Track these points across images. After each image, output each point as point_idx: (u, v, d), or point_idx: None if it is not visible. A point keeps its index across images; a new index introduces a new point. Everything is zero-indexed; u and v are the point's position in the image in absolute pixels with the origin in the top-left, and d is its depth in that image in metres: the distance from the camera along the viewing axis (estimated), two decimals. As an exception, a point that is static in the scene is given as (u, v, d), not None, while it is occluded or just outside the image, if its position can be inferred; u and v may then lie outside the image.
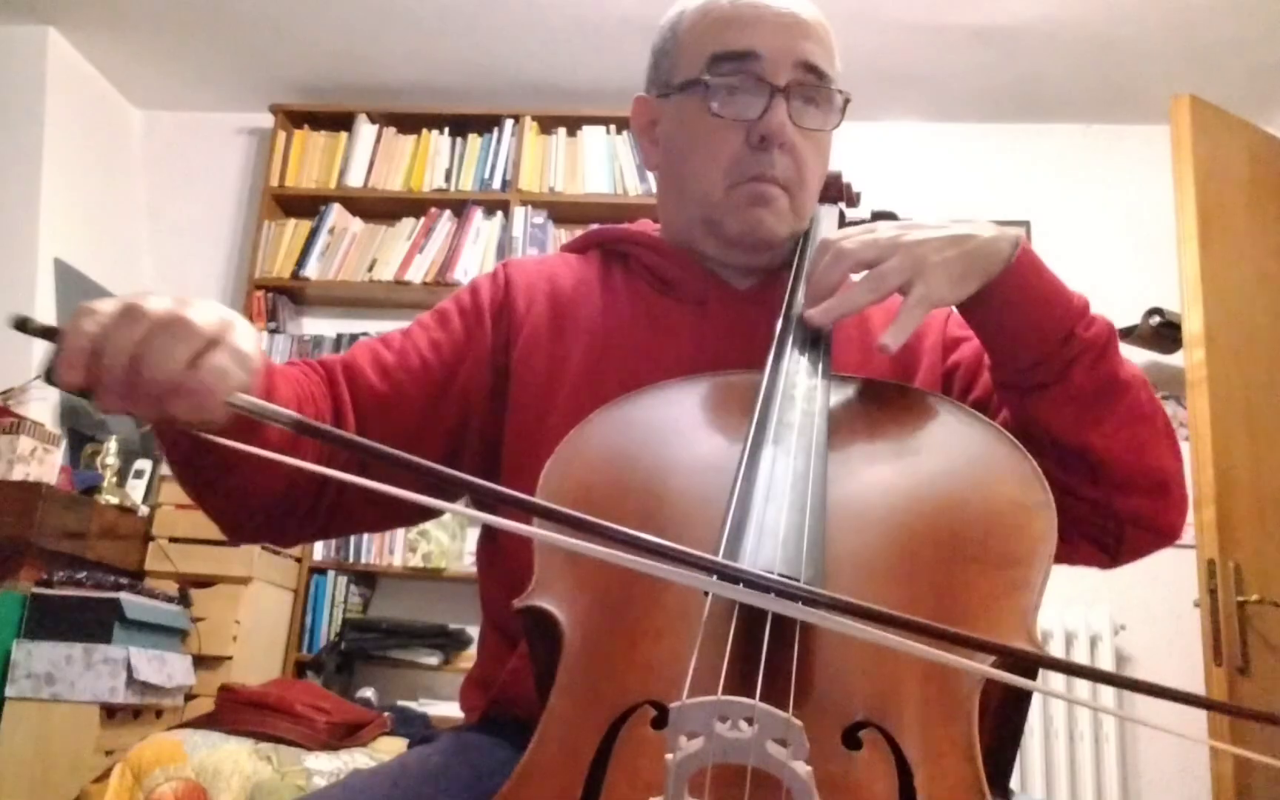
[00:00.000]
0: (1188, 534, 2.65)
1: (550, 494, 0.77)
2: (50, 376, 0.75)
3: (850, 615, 0.58)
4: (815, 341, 0.90)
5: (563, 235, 3.43)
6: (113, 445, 2.98)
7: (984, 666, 0.60)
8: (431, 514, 1.05)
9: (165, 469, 2.92)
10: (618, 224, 1.13)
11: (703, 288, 1.03)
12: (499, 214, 3.46)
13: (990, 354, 0.92)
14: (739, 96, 0.98)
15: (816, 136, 1.01)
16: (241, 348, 0.70)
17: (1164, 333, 3.08)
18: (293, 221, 3.57)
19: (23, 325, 0.67)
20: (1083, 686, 2.62)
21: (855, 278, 0.87)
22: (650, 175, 3.36)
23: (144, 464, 3.08)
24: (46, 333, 0.67)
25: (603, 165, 3.46)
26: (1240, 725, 2.24)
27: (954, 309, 0.92)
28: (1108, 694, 2.88)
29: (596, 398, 0.88)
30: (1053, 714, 2.92)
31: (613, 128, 3.48)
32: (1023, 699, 0.71)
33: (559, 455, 0.81)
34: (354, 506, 0.93)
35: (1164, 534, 0.94)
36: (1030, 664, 0.61)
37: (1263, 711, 0.54)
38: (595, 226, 1.16)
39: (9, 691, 2.31)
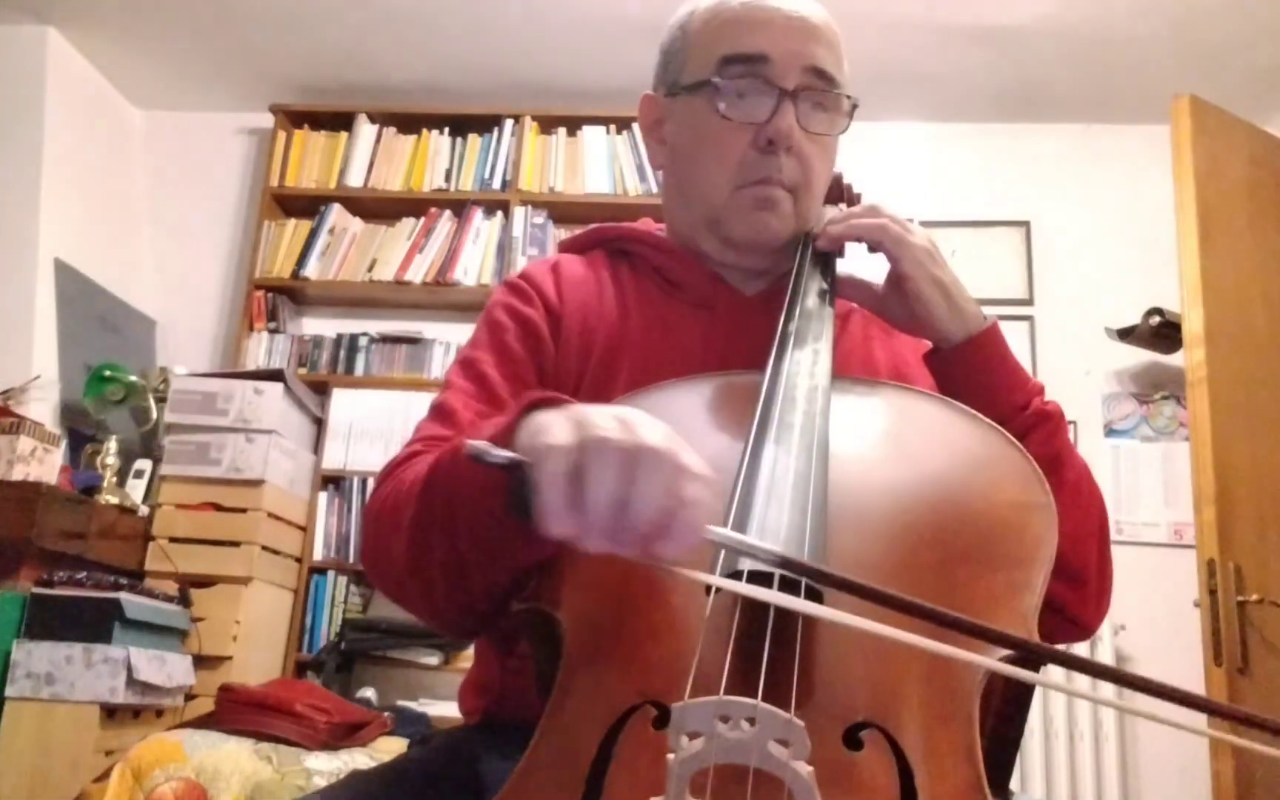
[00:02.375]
0: (1187, 534, 2.67)
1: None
2: (526, 515, 0.63)
3: (856, 593, 0.58)
4: (818, 342, 0.90)
5: (563, 235, 3.42)
6: (113, 445, 2.97)
7: (988, 660, 0.60)
8: None
9: (165, 469, 2.92)
10: (618, 223, 1.13)
11: (710, 291, 1.03)
12: (499, 214, 3.46)
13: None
14: (747, 99, 0.98)
15: (823, 140, 1.01)
16: (696, 467, 0.63)
17: (1164, 333, 3.08)
18: (293, 221, 3.57)
19: (481, 457, 0.62)
20: (1087, 683, 2.62)
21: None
22: (651, 175, 3.38)
23: (144, 464, 3.08)
24: (513, 467, 0.63)
25: (603, 165, 3.46)
26: (1240, 726, 2.24)
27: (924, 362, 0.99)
28: (1108, 689, 2.89)
29: (607, 397, 0.88)
30: (1053, 714, 2.92)
31: (613, 128, 3.48)
32: (1023, 700, 0.71)
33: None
34: None
35: (1077, 625, 0.94)
36: (1036, 657, 0.61)
37: (1261, 717, 0.54)
38: (595, 225, 1.15)
39: (9, 691, 2.31)
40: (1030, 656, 0.67)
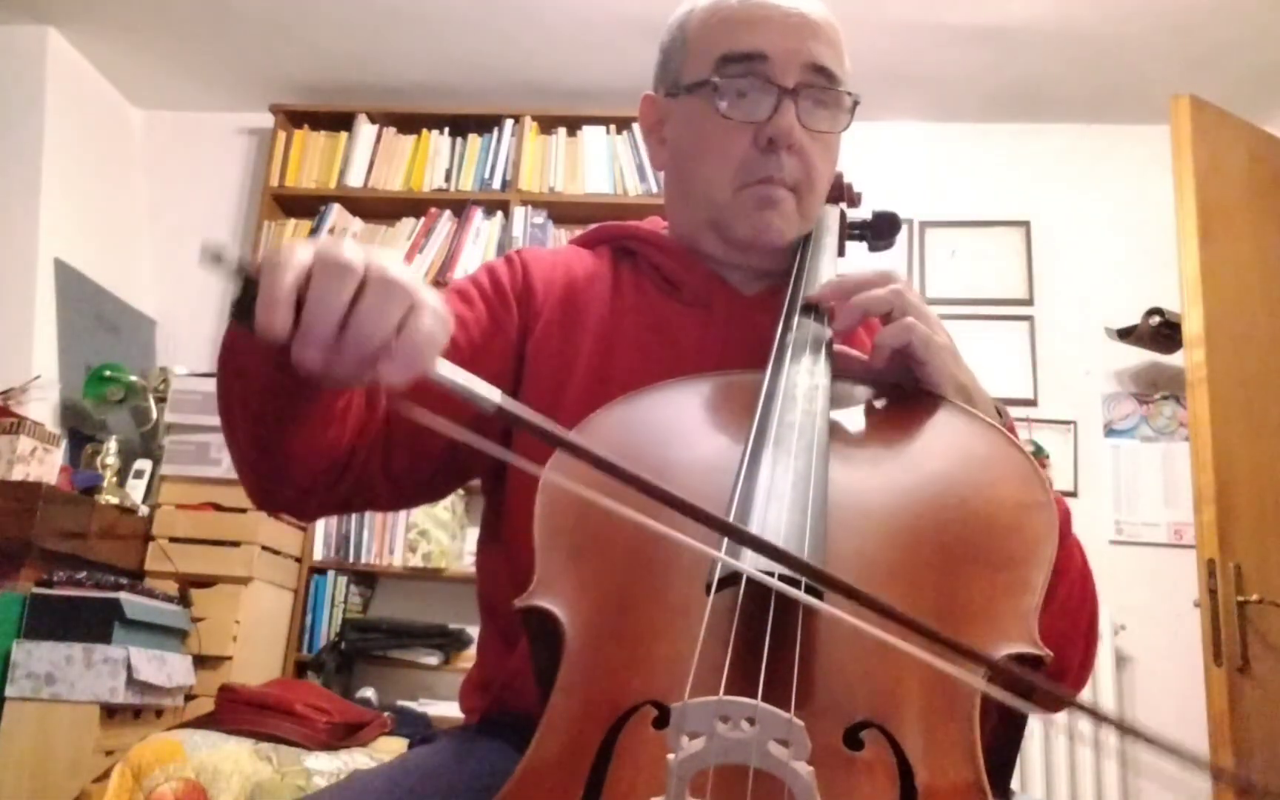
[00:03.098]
0: (1187, 534, 2.67)
1: (554, 491, 0.77)
2: (240, 314, 0.63)
3: (855, 600, 0.58)
4: (818, 343, 0.90)
5: (562, 235, 3.43)
6: (113, 445, 2.98)
7: (979, 682, 0.60)
8: (445, 491, 1.03)
9: (165, 469, 2.92)
10: (624, 222, 1.13)
11: (708, 290, 1.03)
12: (499, 214, 3.46)
13: None
14: (747, 98, 0.97)
15: (825, 138, 1.01)
16: (440, 308, 0.65)
17: (1164, 333, 3.08)
18: (293, 221, 3.57)
19: (217, 258, 0.61)
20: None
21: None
22: (651, 175, 3.38)
23: (144, 464, 3.08)
24: (244, 271, 0.62)
25: (603, 165, 3.46)
26: (1240, 726, 2.24)
27: None
28: (1110, 707, 2.89)
29: (603, 396, 0.87)
30: (1053, 714, 2.92)
31: (613, 128, 3.48)
32: (1025, 699, 0.71)
33: (560, 455, 0.81)
34: (376, 482, 0.93)
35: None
36: (1027, 686, 0.60)
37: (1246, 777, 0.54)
38: (603, 223, 1.15)
39: (9, 691, 2.31)
40: (1030, 660, 0.67)
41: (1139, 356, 3.25)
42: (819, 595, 0.63)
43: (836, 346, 0.91)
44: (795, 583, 0.62)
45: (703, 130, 1.00)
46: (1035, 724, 2.92)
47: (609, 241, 1.10)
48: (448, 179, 3.53)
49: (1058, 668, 0.86)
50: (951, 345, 0.90)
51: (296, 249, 0.63)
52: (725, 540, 0.65)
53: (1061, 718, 2.91)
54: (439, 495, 1.05)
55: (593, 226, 1.14)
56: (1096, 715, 0.56)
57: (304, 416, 0.80)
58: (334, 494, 0.91)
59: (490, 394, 0.62)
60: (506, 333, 0.99)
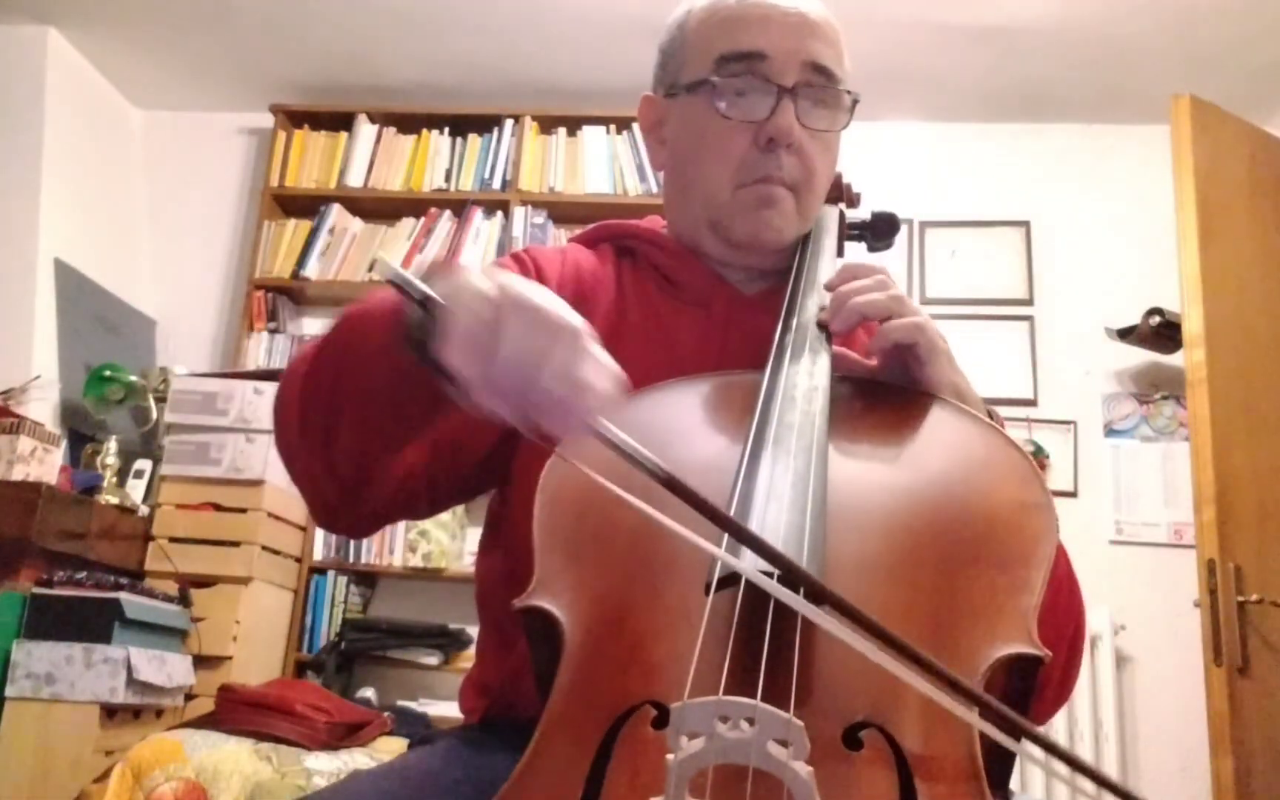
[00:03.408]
0: (1187, 534, 2.67)
1: (553, 492, 0.77)
2: (422, 346, 0.62)
3: (850, 620, 0.58)
4: (817, 344, 0.89)
5: (562, 235, 3.43)
6: (113, 445, 2.97)
7: (973, 718, 0.59)
8: (469, 498, 1.05)
9: (165, 469, 2.92)
10: (625, 220, 1.13)
11: (708, 290, 1.03)
12: (499, 214, 3.46)
13: None
14: (746, 97, 0.97)
15: (825, 137, 1.00)
16: (612, 366, 0.63)
17: (1164, 333, 3.08)
18: (293, 221, 3.57)
19: (400, 283, 0.59)
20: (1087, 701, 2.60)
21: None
22: (651, 175, 3.38)
23: (144, 464, 3.08)
24: (427, 301, 0.60)
25: (603, 165, 3.46)
26: (1240, 726, 2.24)
27: None
28: (1110, 713, 2.89)
29: None
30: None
31: (613, 128, 3.48)
32: (1025, 695, 0.71)
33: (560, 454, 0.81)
34: (421, 499, 0.95)
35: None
36: (1016, 731, 0.60)
37: None
38: (603, 221, 1.14)
39: (9, 691, 2.31)
40: (1030, 659, 0.67)
41: (1139, 356, 3.25)
42: (819, 598, 0.63)
43: (835, 349, 0.92)
44: (794, 585, 0.62)
45: (702, 130, 1.00)
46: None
47: (610, 240, 1.10)
48: (448, 179, 3.53)
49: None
50: (949, 349, 0.91)
51: (481, 282, 0.61)
52: (725, 539, 0.65)
53: (1062, 718, 2.91)
54: (461, 502, 1.07)
55: (593, 225, 1.13)
56: (1066, 758, 0.56)
57: (422, 432, 0.80)
58: (391, 511, 0.93)
59: (659, 466, 0.60)
60: None
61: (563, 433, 0.61)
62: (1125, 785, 0.56)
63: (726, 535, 0.66)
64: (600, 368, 0.62)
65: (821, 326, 0.92)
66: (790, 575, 0.61)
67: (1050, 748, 0.58)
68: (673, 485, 0.60)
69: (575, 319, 0.61)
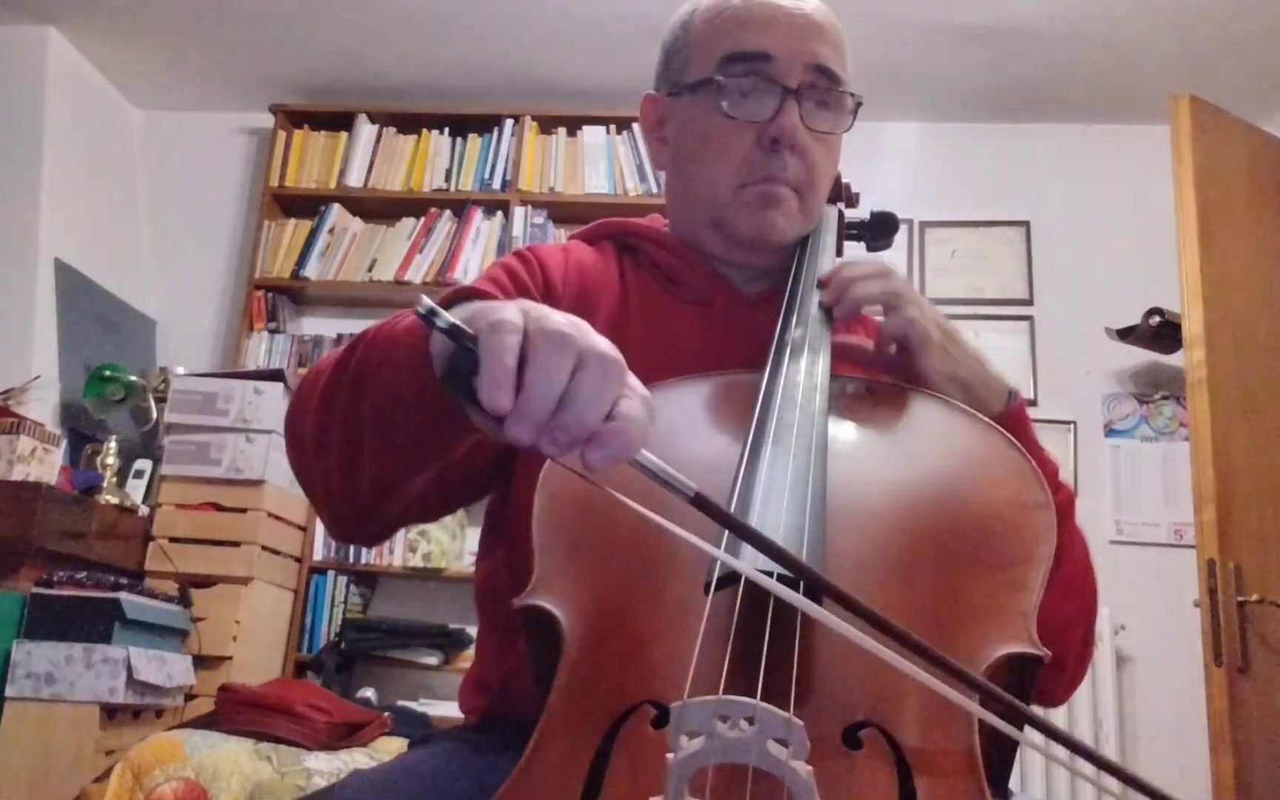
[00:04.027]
0: (1187, 534, 2.67)
1: (552, 491, 0.77)
2: (459, 386, 0.60)
3: (852, 611, 0.58)
4: (817, 342, 0.90)
5: (562, 235, 3.43)
6: (113, 445, 2.97)
7: (974, 707, 0.59)
8: (473, 501, 1.04)
9: (165, 469, 2.92)
10: (626, 218, 1.13)
11: (709, 289, 1.03)
12: (499, 214, 3.47)
13: None
14: (751, 97, 0.98)
15: (827, 139, 1.01)
16: (645, 392, 0.63)
17: (1164, 333, 3.08)
18: (293, 221, 3.57)
19: (430, 317, 0.59)
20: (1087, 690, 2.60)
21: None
22: (651, 175, 3.38)
23: (144, 464, 3.08)
24: (459, 335, 0.59)
25: (603, 165, 3.46)
26: (1240, 726, 2.24)
27: None
28: (1110, 713, 2.89)
29: None
30: (1052, 713, 2.92)
31: (613, 128, 3.48)
32: (1024, 695, 0.71)
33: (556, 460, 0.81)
34: (433, 508, 0.95)
35: (1043, 698, 0.94)
36: (1019, 719, 0.60)
37: None
38: (604, 219, 1.14)
39: (9, 691, 2.30)
40: (1029, 659, 0.67)
41: (1139, 356, 3.25)
42: (818, 597, 0.63)
43: (838, 338, 0.93)
44: (794, 583, 0.62)
45: (705, 129, 1.00)
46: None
47: (611, 237, 1.10)
48: (448, 179, 3.53)
49: (1056, 655, 0.87)
50: (948, 338, 0.92)
51: (510, 314, 0.61)
52: (725, 538, 0.65)
53: (1062, 718, 2.91)
54: (470, 504, 1.06)
55: (595, 222, 1.13)
56: (1083, 751, 0.56)
57: (446, 455, 0.78)
58: (404, 522, 0.92)
59: (688, 485, 0.60)
60: None
61: (602, 463, 0.60)
62: (1124, 768, 0.55)
63: (726, 534, 0.66)
64: (632, 396, 0.61)
65: (824, 309, 0.94)
66: (797, 573, 0.61)
67: (1051, 732, 0.58)
68: (702, 504, 0.60)
69: (604, 346, 0.61)
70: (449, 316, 0.60)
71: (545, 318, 0.61)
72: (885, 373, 0.94)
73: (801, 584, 0.63)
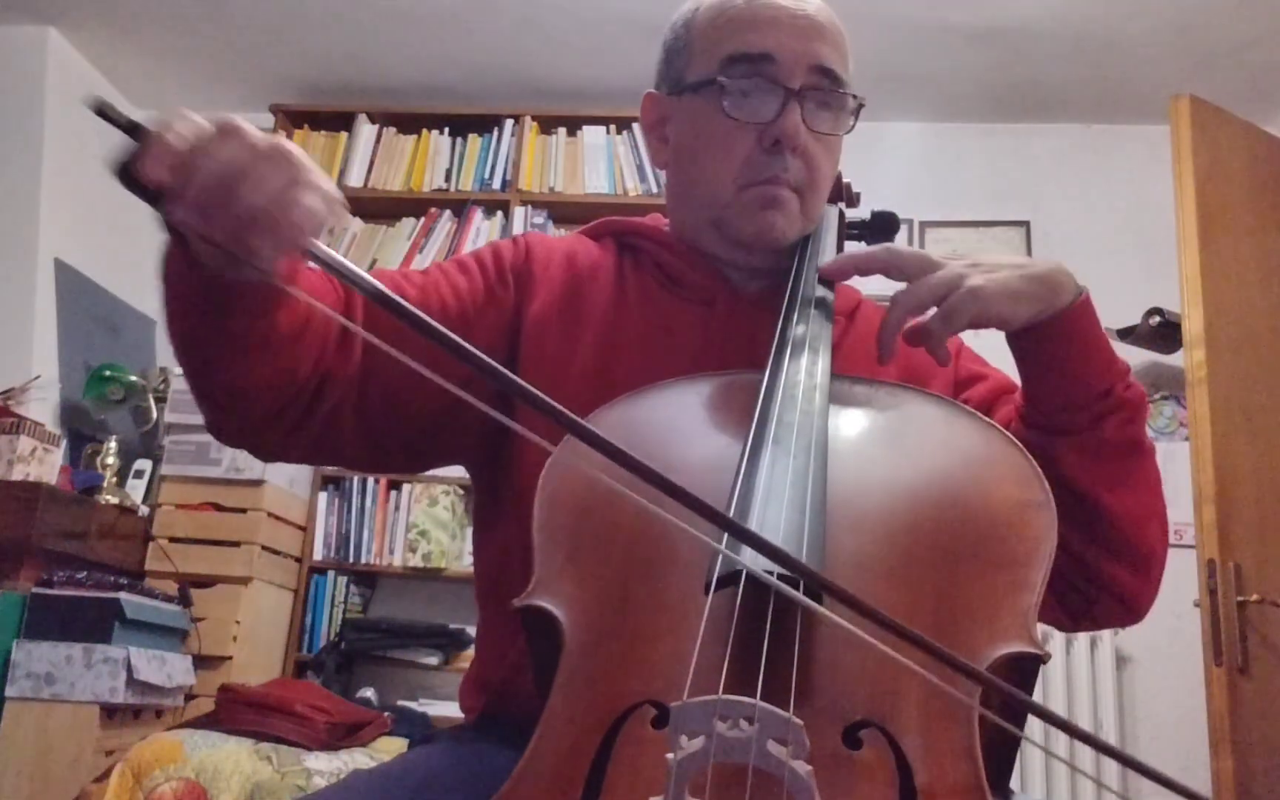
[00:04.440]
0: (1187, 534, 2.67)
1: (553, 491, 0.77)
2: (124, 169, 0.62)
3: (851, 607, 0.58)
4: (817, 343, 0.90)
5: (562, 235, 3.42)
6: (113, 445, 2.97)
7: (975, 703, 0.59)
8: (424, 461, 1.01)
9: (165, 469, 2.92)
10: (627, 217, 1.13)
11: (710, 288, 1.03)
12: (499, 214, 3.47)
13: (1027, 386, 0.93)
14: (753, 98, 0.98)
15: (829, 140, 1.01)
16: (330, 190, 0.65)
17: (1164, 333, 3.08)
18: (293, 221, 3.57)
19: (103, 111, 0.61)
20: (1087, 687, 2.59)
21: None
22: (651, 175, 3.38)
23: (144, 464, 3.08)
24: (131, 126, 0.62)
25: (603, 165, 3.46)
26: (1240, 726, 2.24)
27: (964, 343, 0.99)
28: (1110, 713, 2.89)
29: (604, 393, 0.87)
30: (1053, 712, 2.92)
31: (613, 128, 3.48)
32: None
33: (561, 453, 0.81)
34: (345, 430, 0.90)
35: (1133, 611, 0.94)
36: (1021, 708, 0.60)
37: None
38: (606, 217, 1.14)
39: (9, 691, 2.31)
40: (1030, 658, 0.67)
41: (1139, 356, 3.24)
42: (818, 596, 0.63)
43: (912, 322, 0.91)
44: (794, 582, 0.62)
45: (707, 129, 1.00)
46: (1035, 723, 2.92)
47: (613, 234, 1.10)
48: (448, 179, 3.53)
49: (1144, 558, 0.91)
50: (973, 270, 0.87)
51: (190, 115, 0.63)
52: (725, 538, 0.65)
53: (1062, 718, 2.91)
54: (414, 467, 1.05)
55: (598, 220, 1.14)
56: (1088, 739, 0.56)
57: (233, 338, 0.78)
58: (295, 435, 0.88)
59: (369, 282, 0.60)
60: (501, 306, 0.99)
61: (272, 251, 0.62)
62: (1123, 780, 0.55)
63: (727, 535, 0.67)
64: (312, 187, 0.63)
65: (825, 308, 0.94)
66: (793, 571, 0.61)
67: (1053, 719, 0.58)
68: (383, 301, 0.59)
69: (284, 143, 0.63)
70: (120, 113, 0.61)
71: (230, 118, 0.63)
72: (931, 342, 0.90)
73: (802, 583, 0.63)
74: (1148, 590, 0.93)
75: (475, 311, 0.97)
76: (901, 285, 0.90)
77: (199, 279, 0.72)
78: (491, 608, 1.00)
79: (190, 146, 0.61)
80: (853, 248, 1.02)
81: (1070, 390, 0.88)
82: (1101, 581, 0.91)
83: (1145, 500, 0.92)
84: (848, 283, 1.03)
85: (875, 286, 0.96)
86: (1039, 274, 0.88)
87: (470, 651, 3.02)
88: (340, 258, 0.61)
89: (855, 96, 1.01)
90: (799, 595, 0.59)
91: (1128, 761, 0.54)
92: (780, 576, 0.60)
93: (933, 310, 0.87)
